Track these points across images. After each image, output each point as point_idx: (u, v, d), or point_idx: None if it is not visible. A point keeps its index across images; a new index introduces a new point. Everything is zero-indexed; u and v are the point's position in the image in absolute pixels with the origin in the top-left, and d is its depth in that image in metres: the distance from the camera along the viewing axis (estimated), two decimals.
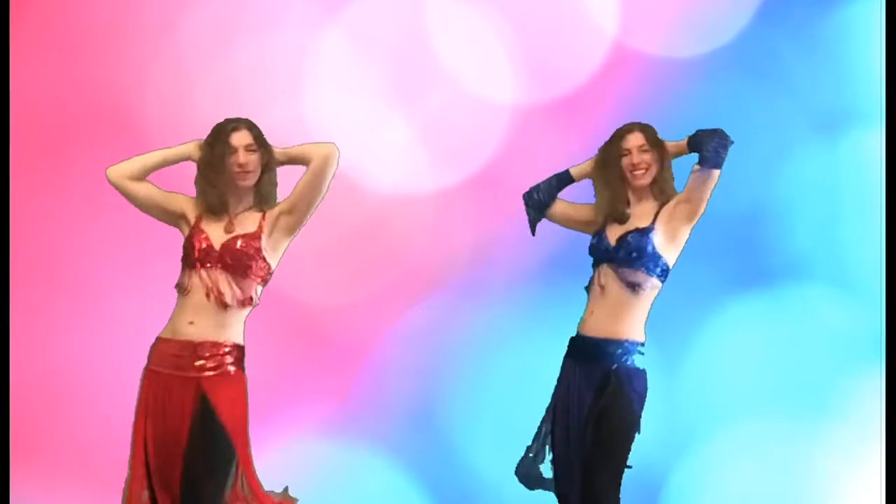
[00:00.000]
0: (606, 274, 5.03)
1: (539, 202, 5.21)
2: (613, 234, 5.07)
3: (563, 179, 5.23)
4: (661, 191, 5.11)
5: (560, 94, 6.72)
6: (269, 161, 4.72)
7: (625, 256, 5.01)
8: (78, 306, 6.40)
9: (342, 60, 6.60)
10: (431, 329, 6.66)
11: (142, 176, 4.73)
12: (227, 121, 4.75)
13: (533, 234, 5.24)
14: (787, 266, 6.84)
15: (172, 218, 4.77)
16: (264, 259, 4.71)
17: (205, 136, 4.77)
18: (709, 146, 5.02)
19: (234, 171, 4.67)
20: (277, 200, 4.80)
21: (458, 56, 6.68)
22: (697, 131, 5.10)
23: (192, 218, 4.72)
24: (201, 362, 4.62)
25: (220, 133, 4.71)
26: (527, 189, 5.28)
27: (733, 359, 6.68)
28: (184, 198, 4.77)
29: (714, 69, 6.76)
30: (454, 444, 6.67)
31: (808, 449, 6.73)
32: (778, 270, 6.82)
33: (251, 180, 4.69)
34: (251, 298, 4.70)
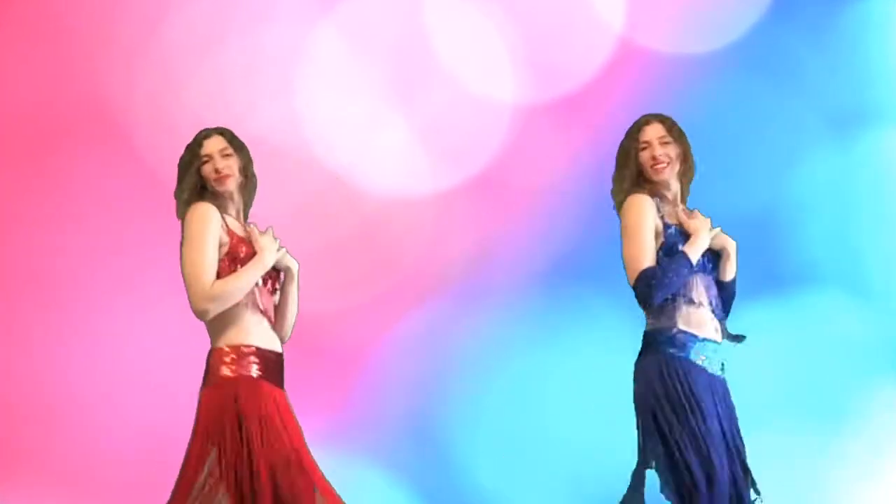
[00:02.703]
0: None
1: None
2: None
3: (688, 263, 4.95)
4: (687, 191, 5.03)
5: (563, 93, 6.75)
6: (246, 165, 4.80)
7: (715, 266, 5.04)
8: (62, 311, 6.44)
9: (337, 58, 6.65)
10: (430, 335, 6.70)
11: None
12: (200, 131, 4.81)
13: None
14: (799, 271, 6.86)
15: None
16: None
17: (192, 139, 4.84)
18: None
19: (211, 178, 4.74)
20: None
21: (458, 54, 6.71)
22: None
23: (224, 233, 4.73)
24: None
25: (191, 144, 4.78)
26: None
27: (743, 368, 6.45)
28: (213, 216, 4.71)
29: (724, 67, 6.78)
30: (454, 455, 6.70)
31: (822, 460, 6.78)
32: (790, 276, 6.84)
33: (231, 185, 4.76)
34: None
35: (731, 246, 5.00)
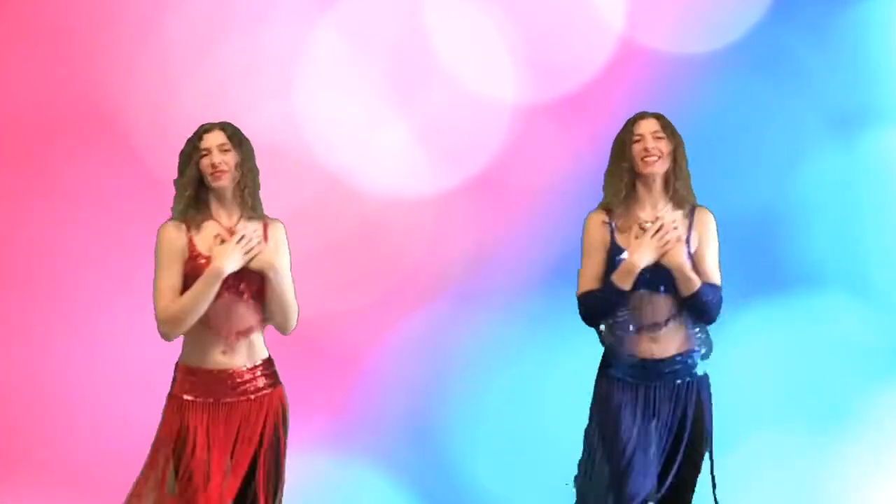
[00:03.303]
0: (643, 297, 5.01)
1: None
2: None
3: (615, 292, 5.00)
4: (675, 192, 5.04)
5: (564, 93, 6.75)
6: (243, 160, 4.85)
7: (666, 280, 4.99)
8: (62, 311, 6.47)
9: (337, 58, 6.66)
10: (430, 336, 6.71)
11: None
12: (202, 124, 4.90)
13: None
14: (802, 273, 6.86)
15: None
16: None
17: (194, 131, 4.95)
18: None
19: (207, 172, 4.81)
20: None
21: (458, 54, 6.72)
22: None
23: (185, 247, 4.82)
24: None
25: (192, 137, 4.86)
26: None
27: (745, 370, 6.65)
28: (174, 238, 4.83)
29: (724, 67, 6.78)
30: (454, 456, 6.72)
31: (822, 461, 6.80)
32: (791, 277, 6.84)
33: (225, 181, 4.82)
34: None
35: (678, 268, 4.95)
